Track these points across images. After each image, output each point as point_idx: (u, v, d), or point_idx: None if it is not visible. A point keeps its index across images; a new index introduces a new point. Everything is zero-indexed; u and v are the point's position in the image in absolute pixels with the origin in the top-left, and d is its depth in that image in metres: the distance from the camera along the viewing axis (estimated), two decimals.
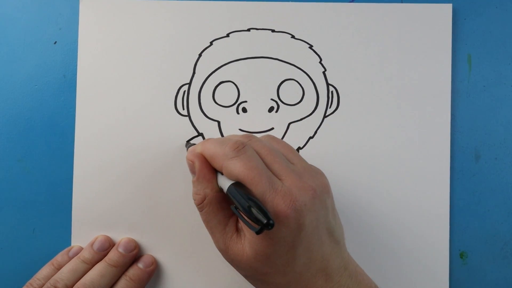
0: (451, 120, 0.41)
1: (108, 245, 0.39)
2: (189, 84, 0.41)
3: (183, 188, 0.40)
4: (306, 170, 0.32)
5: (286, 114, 0.41)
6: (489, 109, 0.41)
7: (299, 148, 0.41)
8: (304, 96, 0.41)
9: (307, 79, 0.41)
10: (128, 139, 0.41)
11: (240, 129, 0.41)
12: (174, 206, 0.40)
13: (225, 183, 0.31)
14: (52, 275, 0.37)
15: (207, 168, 0.33)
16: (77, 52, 0.41)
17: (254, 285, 0.34)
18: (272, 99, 0.41)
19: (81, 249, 0.39)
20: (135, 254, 0.39)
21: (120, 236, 0.40)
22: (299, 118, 0.41)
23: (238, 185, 0.30)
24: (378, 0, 0.41)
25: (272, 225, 0.26)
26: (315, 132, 0.41)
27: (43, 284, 0.36)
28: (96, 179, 0.40)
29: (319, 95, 0.41)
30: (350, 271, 0.32)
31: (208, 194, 0.32)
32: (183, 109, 0.41)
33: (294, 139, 0.41)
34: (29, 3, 0.42)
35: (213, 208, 0.32)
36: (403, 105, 0.41)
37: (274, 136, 0.35)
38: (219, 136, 0.41)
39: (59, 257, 0.39)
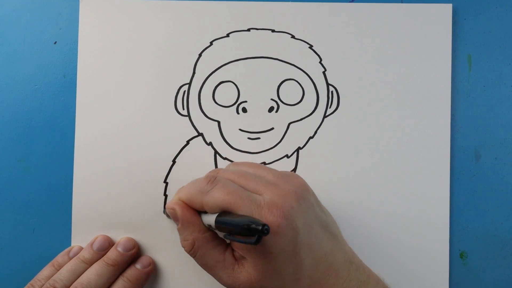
0: (451, 120, 0.41)
1: (108, 245, 0.39)
2: (189, 84, 0.41)
3: None
4: (279, 177, 0.32)
5: (286, 114, 0.41)
6: (489, 109, 0.41)
7: (299, 148, 0.41)
8: (304, 96, 0.41)
9: (307, 79, 0.41)
10: (128, 139, 0.41)
11: (240, 129, 0.41)
12: None
13: (210, 218, 0.31)
14: (52, 276, 0.37)
15: (189, 212, 0.33)
16: (77, 52, 0.41)
17: None
18: (272, 99, 0.41)
19: (81, 249, 0.39)
20: (134, 253, 0.39)
21: (120, 236, 0.40)
22: (299, 118, 0.41)
23: (223, 214, 0.30)
24: (378, 0, 0.41)
25: (267, 229, 0.26)
26: (315, 132, 0.41)
27: (43, 285, 0.36)
28: (96, 179, 0.40)
29: (319, 95, 0.41)
30: (356, 264, 0.32)
31: (196, 237, 0.33)
32: (183, 109, 0.41)
33: (294, 139, 0.41)
34: (29, 3, 0.42)
35: (206, 249, 0.32)
36: (403, 105, 0.41)
37: (237, 162, 0.37)
38: (220, 136, 0.41)
39: (59, 258, 0.39)
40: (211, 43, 0.41)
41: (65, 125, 0.41)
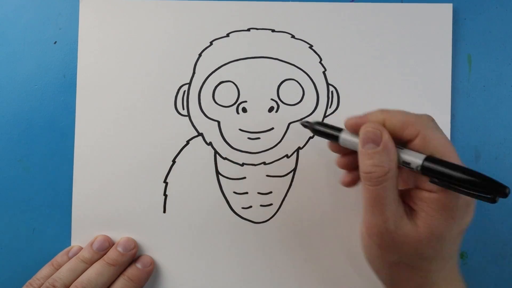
0: (451, 120, 0.41)
1: (108, 245, 0.39)
2: (189, 84, 0.41)
3: (183, 188, 0.41)
4: None
5: (286, 114, 0.41)
6: (489, 109, 0.41)
7: (299, 148, 0.41)
8: (304, 96, 0.41)
9: (307, 79, 0.41)
10: (128, 139, 0.41)
11: (240, 129, 0.41)
12: (174, 206, 0.41)
13: (413, 156, 0.30)
14: (52, 275, 0.37)
15: (393, 141, 0.31)
16: (77, 52, 0.41)
17: (397, 272, 0.32)
18: (272, 99, 0.41)
19: (81, 249, 0.39)
20: (134, 253, 0.39)
21: (120, 236, 0.40)
22: (299, 118, 0.41)
23: (430, 159, 0.29)
24: (378, 0, 0.41)
25: (509, 192, 0.26)
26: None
27: (42, 284, 0.36)
28: (96, 179, 0.40)
29: (319, 95, 0.41)
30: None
31: (392, 167, 0.30)
32: (183, 109, 0.41)
33: (294, 139, 0.41)
34: (29, 3, 0.42)
35: (393, 183, 0.30)
36: (403, 105, 0.41)
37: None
38: (220, 136, 0.41)
39: (59, 258, 0.39)
40: (211, 43, 0.41)
41: (65, 125, 0.41)
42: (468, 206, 0.30)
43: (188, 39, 0.41)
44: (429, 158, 0.29)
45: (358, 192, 0.40)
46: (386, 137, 0.30)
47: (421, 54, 0.41)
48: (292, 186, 0.41)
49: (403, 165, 0.31)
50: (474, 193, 0.27)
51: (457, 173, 0.27)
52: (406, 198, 0.32)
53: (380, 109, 0.33)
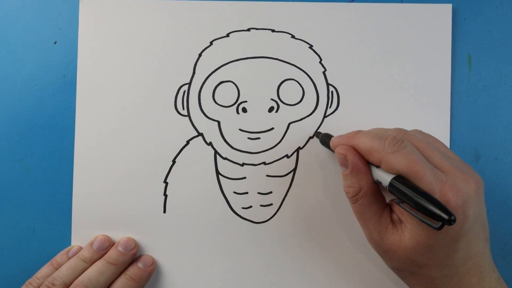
0: (451, 120, 0.41)
1: (108, 245, 0.39)
2: (189, 84, 0.41)
3: (183, 188, 0.41)
4: (462, 163, 0.32)
5: (286, 114, 0.41)
6: (489, 109, 0.41)
7: (299, 148, 0.41)
8: (304, 96, 0.41)
9: (307, 79, 0.41)
10: (128, 139, 0.41)
11: (240, 129, 0.41)
12: (174, 206, 0.41)
13: (383, 176, 0.31)
14: (51, 274, 0.37)
15: (361, 161, 0.33)
16: (77, 52, 0.41)
17: (403, 278, 0.34)
18: (272, 99, 0.41)
19: (80, 249, 0.39)
20: (134, 253, 0.39)
21: (120, 236, 0.40)
22: (299, 118, 0.41)
23: (399, 178, 0.30)
24: (378, 0, 0.41)
25: (454, 221, 0.26)
26: (315, 132, 0.41)
27: (42, 283, 0.36)
28: (96, 179, 0.40)
29: (319, 95, 0.41)
30: (497, 274, 0.32)
31: (363, 186, 0.33)
32: (183, 109, 0.41)
33: (294, 139, 0.41)
34: (29, 3, 0.42)
35: (368, 200, 0.33)
36: (403, 105, 0.41)
37: (422, 131, 0.35)
38: (220, 136, 0.41)
39: (58, 258, 0.39)
40: (211, 43, 0.41)
41: (65, 125, 0.41)
42: None
43: (188, 39, 0.41)
44: (394, 178, 0.30)
45: None
46: (351, 160, 0.33)
47: (421, 54, 0.41)
48: (292, 186, 0.41)
49: (379, 183, 0.32)
50: (421, 218, 0.28)
51: (417, 199, 0.28)
52: (394, 208, 0.33)
53: (354, 132, 0.35)
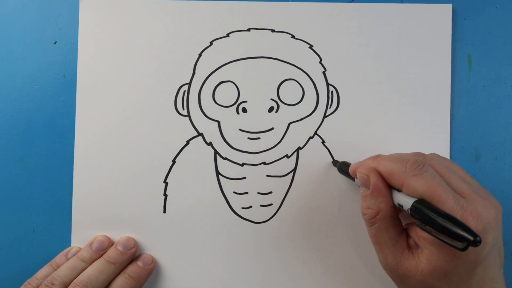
0: (451, 120, 0.41)
1: (107, 245, 0.39)
2: (189, 84, 0.41)
3: (183, 188, 0.41)
4: (480, 188, 0.32)
5: (286, 114, 0.41)
6: (489, 109, 0.41)
7: (299, 148, 0.41)
8: (304, 96, 0.41)
9: (307, 79, 0.41)
10: (128, 139, 0.41)
11: (240, 129, 0.41)
12: (174, 206, 0.41)
13: (404, 199, 0.31)
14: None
15: (383, 184, 0.32)
16: (77, 52, 0.41)
17: None
18: (272, 99, 0.41)
19: (80, 250, 0.39)
20: (133, 252, 0.39)
21: (120, 236, 0.40)
22: (299, 118, 0.41)
23: (421, 202, 0.29)
24: (378, 0, 0.41)
25: (479, 242, 0.26)
26: (315, 132, 0.41)
27: (41, 283, 0.36)
28: (96, 179, 0.40)
29: (319, 95, 0.41)
30: None
31: (382, 209, 0.32)
32: (183, 109, 0.41)
33: (294, 139, 0.41)
34: (29, 3, 0.42)
35: (385, 223, 0.32)
36: (403, 105, 0.41)
37: (439, 155, 0.35)
38: (220, 136, 0.41)
39: (58, 259, 0.39)
40: (211, 43, 0.41)
41: (65, 125, 0.41)
42: None
43: (188, 39, 0.41)
44: (417, 202, 0.30)
45: (358, 193, 0.40)
46: (373, 180, 0.33)
47: (421, 54, 0.41)
48: (292, 186, 0.41)
49: (399, 207, 0.32)
50: (448, 241, 0.27)
51: (441, 221, 0.27)
52: (411, 232, 0.32)
53: (374, 156, 0.34)
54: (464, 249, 0.26)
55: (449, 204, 0.29)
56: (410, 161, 0.31)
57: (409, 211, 0.30)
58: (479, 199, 0.30)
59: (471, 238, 0.26)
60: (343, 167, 0.38)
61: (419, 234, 0.31)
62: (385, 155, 0.34)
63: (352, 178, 0.37)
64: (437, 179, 0.30)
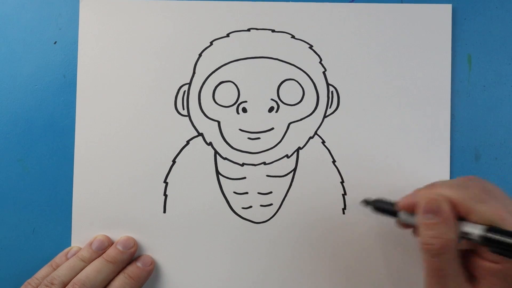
0: (451, 120, 0.41)
1: (107, 245, 0.39)
2: (189, 84, 0.41)
3: (183, 188, 0.41)
4: None
5: (286, 114, 0.41)
6: (489, 109, 0.41)
7: (299, 148, 0.41)
8: (304, 96, 0.41)
9: (307, 79, 0.41)
10: (128, 139, 0.41)
11: (240, 129, 0.41)
12: (174, 206, 0.41)
13: (472, 228, 0.29)
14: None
15: (454, 212, 0.30)
16: (77, 52, 0.41)
17: None
18: (272, 99, 0.41)
19: (79, 250, 0.39)
20: (133, 252, 0.39)
21: (120, 236, 0.40)
22: (299, 118, 0.41)
23: (493, 228, 0.29)
24: (378, 0, 0.41)
25: None
26: (315, 132, 0.41)
27: (41, 283, 0.36)
28: (96, 179, 0.40)
29: (319, 95, 0.41)
30: None
31: (452, 239, 0.30)
32: (183, 109, 0.41)
33: (294, 139, 0.41)
34: (29, 3, 0.42)
35: (452, 255, 0.30)
36: (403, 105, 0.41)
37: (478, 177, 0.34)
38: (220, 136, 0.41)
39: (57, 259, 0.39)
40: (211, 43, 0.41)
41: (65, 125, 0.41)
42: None
43: (188, 39, 0.41)
44: (490, 229, 0.29)
45: (358, 192, 0.40)
46: (447, 207, 0.30)
47: (421, 54, 0.41)
48: (292, 186, 0.41)
49: (462, 236, 0.30)
50: None
51: None
52: (467, 264, 0.31)
53: (429, 185, 0.33)
54: None
55: None
56: (472, 185, 0.31)
57: (479, 239, 0.29)
58: None
59: None
60: (382, 205, 0.36)
61: (479, 265, 0.30)
62: (439, 183, 0.33)
63: (392, 214, 0.35)
64: (499, 203, 0.30)
